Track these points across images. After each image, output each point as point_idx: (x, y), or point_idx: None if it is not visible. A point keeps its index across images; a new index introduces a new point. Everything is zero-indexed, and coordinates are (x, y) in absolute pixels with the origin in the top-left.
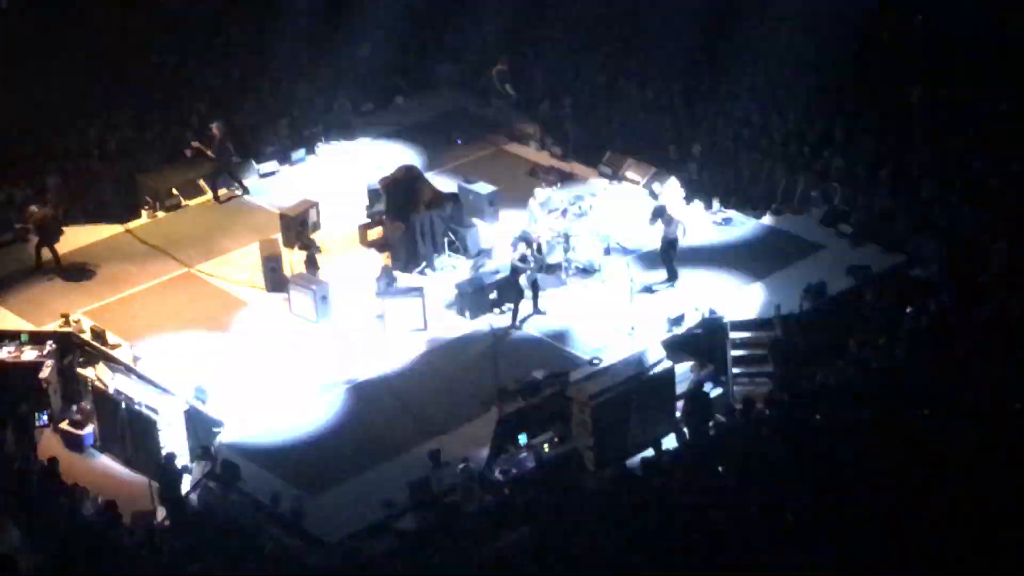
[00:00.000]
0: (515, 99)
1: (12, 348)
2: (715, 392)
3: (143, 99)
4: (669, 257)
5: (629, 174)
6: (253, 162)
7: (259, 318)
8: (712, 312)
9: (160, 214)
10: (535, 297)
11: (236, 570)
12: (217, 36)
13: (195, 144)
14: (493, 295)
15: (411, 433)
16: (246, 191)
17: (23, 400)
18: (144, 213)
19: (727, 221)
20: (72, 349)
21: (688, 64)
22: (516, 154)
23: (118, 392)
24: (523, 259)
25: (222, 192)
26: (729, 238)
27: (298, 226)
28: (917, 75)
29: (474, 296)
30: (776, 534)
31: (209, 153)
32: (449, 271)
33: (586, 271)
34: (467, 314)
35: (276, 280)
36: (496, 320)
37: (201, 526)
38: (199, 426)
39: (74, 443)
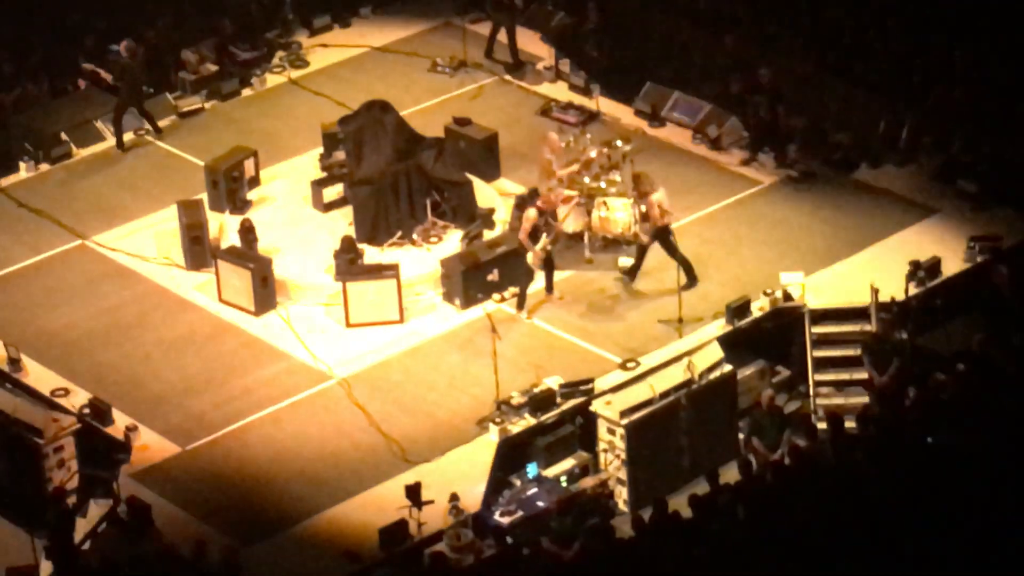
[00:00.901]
0: (521, 9)
1: None
2: (790, 406)
3: (20, 14)
4: (669, 247)
5: (675, 114)
6: (169, 96)
7: (177, 306)
8: (786, 298)
9: (44, 167)
10: (548, 278)
11: None
12: None
13: (90, 67)
14: (492, 276)
15: (382, 461)
16: (158, 132)
17: None
18: (22, 166)
19: (807, 175)
20: None
21: None
22: (522, 86)
23: None
24: (534, 232)
25: (128, 137)
26: (809, 198)
27: (230, 182)
28: None
29: (467, 277)
30: None
31: (111, 80)
32: (433, 244)
33: (617, 244)
34: (457, 301)
35: (200, 255)
36: (496, 309)
37: None
38: (97, 453)
39: None
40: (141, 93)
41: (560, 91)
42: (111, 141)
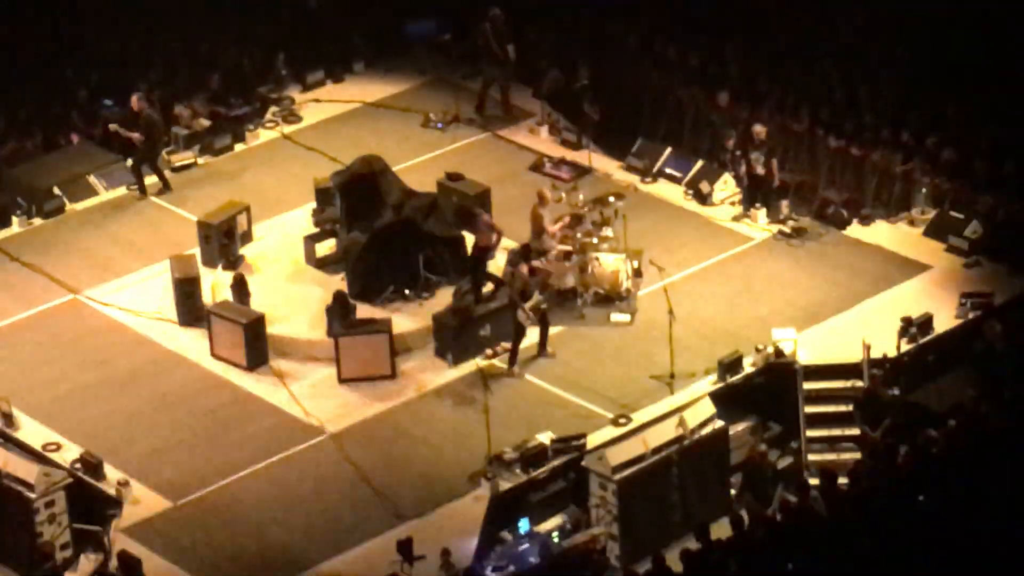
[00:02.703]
0: (515, 66)
1: None
2: (782, 462)
3: (12, 68)
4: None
5: (668, 169)
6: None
7: (169, 361)
8: (779, 354)
9: (36, 221)
10: (542, 335)
11: None
12: None
13: (114, 127)
14: (484, 331)
15: (373, 516)
16: (167, 188)
17: None
18: (15, 220)
19: (799, 231)
20: None
21: (747, 22)
22: (515, 141)
23: None
24: (523, 292)
25: (121, 192)
26: (801, 254)
27: (222, 237)
28: None
29: (459, 333)
30: None
31: (133, 135)
32: (425, 299)
33: (609, 300)
34: (449, 357)
35: (192, 310)
36: (488, 364)
37: None
38: (88, 507)
39: None
40: (159, 143)
41: (552, 147)
42: (104, 195)
